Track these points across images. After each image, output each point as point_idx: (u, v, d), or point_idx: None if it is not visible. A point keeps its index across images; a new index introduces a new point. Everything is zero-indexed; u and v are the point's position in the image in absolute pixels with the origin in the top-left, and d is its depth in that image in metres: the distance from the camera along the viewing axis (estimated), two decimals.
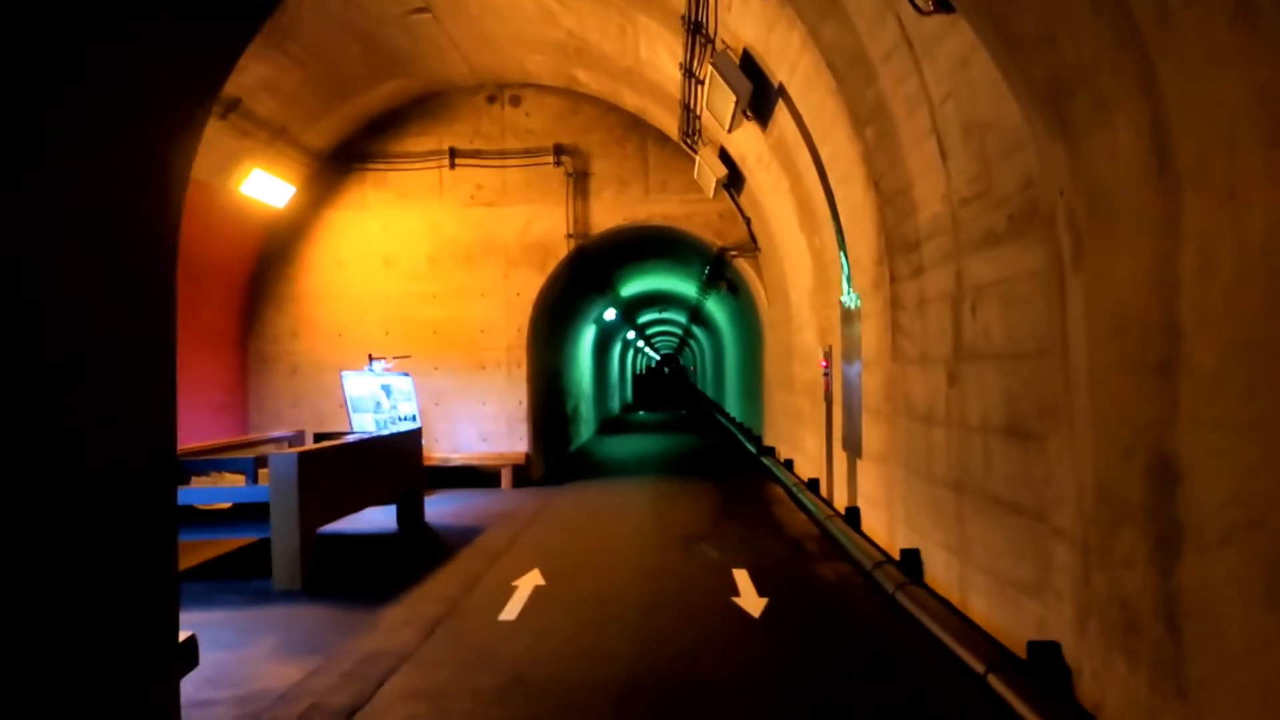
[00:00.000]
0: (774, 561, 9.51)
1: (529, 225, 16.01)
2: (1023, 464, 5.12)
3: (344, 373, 13.85)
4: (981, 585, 5.79)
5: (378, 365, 14.42)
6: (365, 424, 13.83)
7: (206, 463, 9.35)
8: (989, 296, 5.61)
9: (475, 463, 15.72)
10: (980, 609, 5.83)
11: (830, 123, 8.45)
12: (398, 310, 16.03)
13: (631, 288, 24.86)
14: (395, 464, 11.71)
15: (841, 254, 9.59)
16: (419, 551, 10.53)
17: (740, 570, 9.09)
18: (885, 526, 8.29)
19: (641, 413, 41.38)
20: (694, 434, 27.26)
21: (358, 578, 9.25)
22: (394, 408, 14.45)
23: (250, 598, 8.56)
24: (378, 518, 12.55)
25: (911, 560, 7.02)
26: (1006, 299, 5.33)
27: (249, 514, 9.25)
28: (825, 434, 10.93)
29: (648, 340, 52.15)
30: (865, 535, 8.82)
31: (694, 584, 8.67)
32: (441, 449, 15.93)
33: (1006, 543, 5.37)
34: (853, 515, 9.24)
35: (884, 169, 7.49)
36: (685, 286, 24.66)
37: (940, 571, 6.64)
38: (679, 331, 45.84)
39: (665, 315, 37.43)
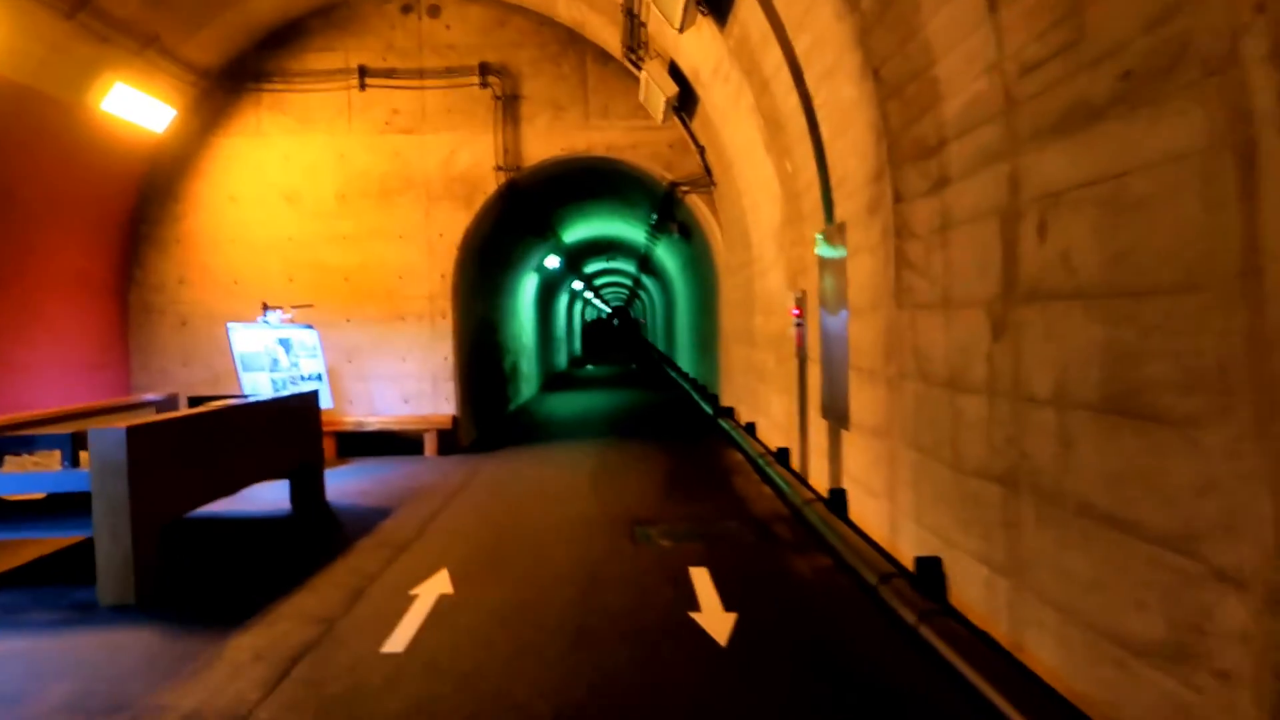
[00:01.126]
0: (739, 554, 7.68)
1: (452, 156, 13.88)
2: (1144, 460, 3.27)
3: (231, 325, 11.71)
4: (1052, 626, 3.97)
5: (273, 316, 12.29)
6: (259, 385, 11.74)
7: (16, 440, 7.23)
8: (1073, 206, 3.72)
9: (395, 428, 13.70)
10: (1050, 660, 4.02)
11: (810, 1, 6.48)
12: (303, 254, 13.86)
13: (575, 232, 22.77)
14: (286, 432, 9.68)
15: (820, 175, 7.66)
16: (307, 542, 8.54)
17: (699, 569, 7.23)
18: (883, 519, 6.47)
19: (590, 367, 39.43)
20: (644, 390, 25.38)
21: (216, 584, 7.24)
22: (295, 365, 12.36)
23: (65, 616, 6.53)
24: (271, 496, 10.53)
25: (930, 573, 5.19)
26: (1113, 206, 3.44)
27: (70, 505, 7.20)
28: (798, 397, 9.09)
29: (596, 291, 50.04)
30: (854, 525, 7.00)
31: (641, 590, 6.80)
32: (356, 412, 13.89)
33: (1106, 573, 3.54)
34: (837, 499, 7.41)
35: (889, 48, 5.54)
36: (633, 231, 22.63)
37: (975, 593, 4.83)
38: (628, 282, 43.79)
39: (613, 265, 35.34)
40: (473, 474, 12.02)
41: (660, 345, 38.58)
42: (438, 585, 6.99)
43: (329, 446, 13.54)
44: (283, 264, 13.86)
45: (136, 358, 13.87)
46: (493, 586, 6.96)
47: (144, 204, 13.72)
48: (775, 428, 10.44)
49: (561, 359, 36.04)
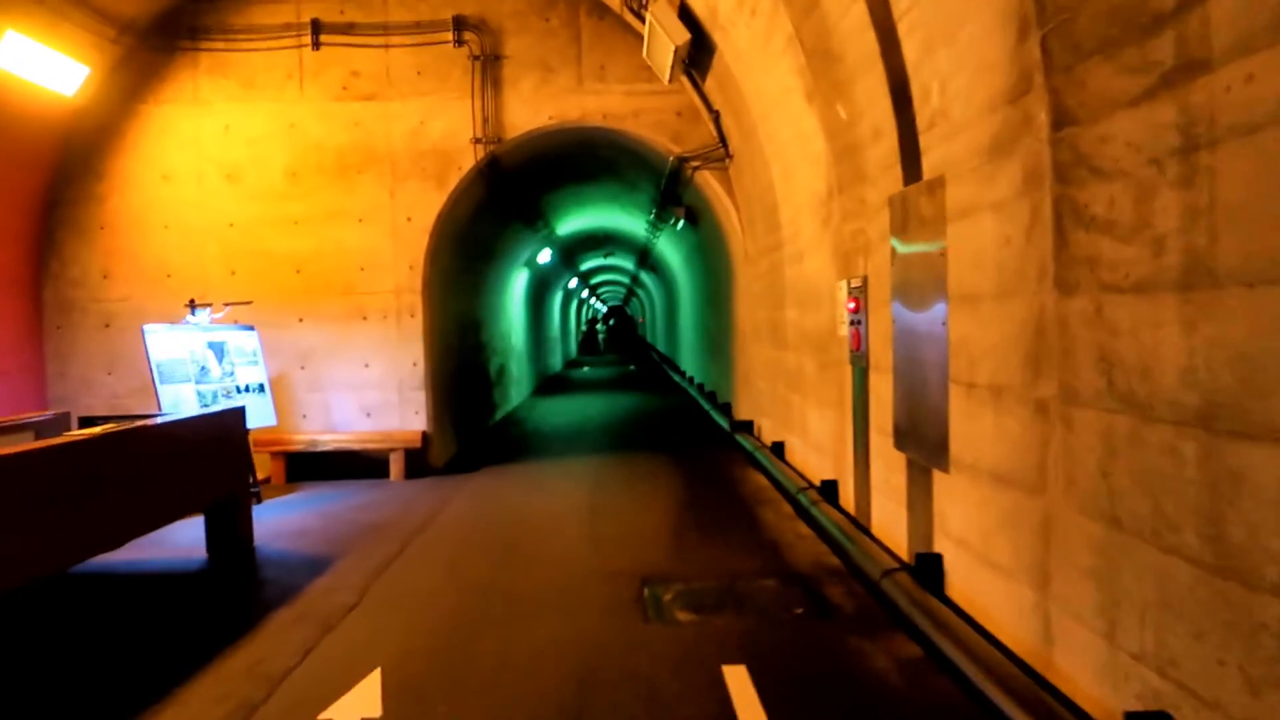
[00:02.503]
0: (787, 637, 5.46)
1: (422, 126, 11.65)
2: None
3: (148, 328, 9.47)
4: None
5: (201, 315, 10.06)
6: (183, 399, 9.51)
7: None
8: None
9: (354, 446, 11.46)
10: None
11: None
12: (247, 241, 11.63)
13: (570, 223, 20.54)
14: (200, 461, 7.46)
15: (899, 115, 5.45)
16: (206, 613, 6.30)
17: (735, 669, 5.01)
18: (1018, 610, 4.25)
19: (586, 369, 37.16)
20: (645, 394, 23.13)
21: (39, 693, 5.02)
22: (229, 375, 10.12)
23: None
24: (190, 537, 8.32)
25: None
26: None
27: None
28: (854, 415, 6.87)
29: (593, 290, 47.82)
30: (956, 607, 4.82)
31: (657, 707, 4.60)
32: (310, 427, 11.66)
33: None
34: (928, 567, 5.20)
35: None
36: (633, 222, 20.40)
37: None
38: (626, 280, 41.54)
39: (611, 261, 33.07)
40: (443, 504, 9.80)
41: (660, 346, 36.35)
42: (362, 703, 4.77)
43: (276, 470, 11.33)
44: (224, 253, 11.62)
45: (53, 364, 11.63)
46: (442, 703, 4.74)
47: (61, 182, 11.48)
48: (815, 451, 8.23)
49: (556, 360, 33.81)
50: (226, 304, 10.62)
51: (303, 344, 11.65)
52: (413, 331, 11.70)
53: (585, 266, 32.95)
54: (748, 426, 11.64)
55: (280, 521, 9.20)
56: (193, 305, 10.08)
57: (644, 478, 10.95)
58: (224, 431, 7.95)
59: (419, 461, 11.59)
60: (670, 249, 20.86)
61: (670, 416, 17.55)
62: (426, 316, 11.81)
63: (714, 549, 7.59)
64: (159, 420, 7.33)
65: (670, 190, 13.84)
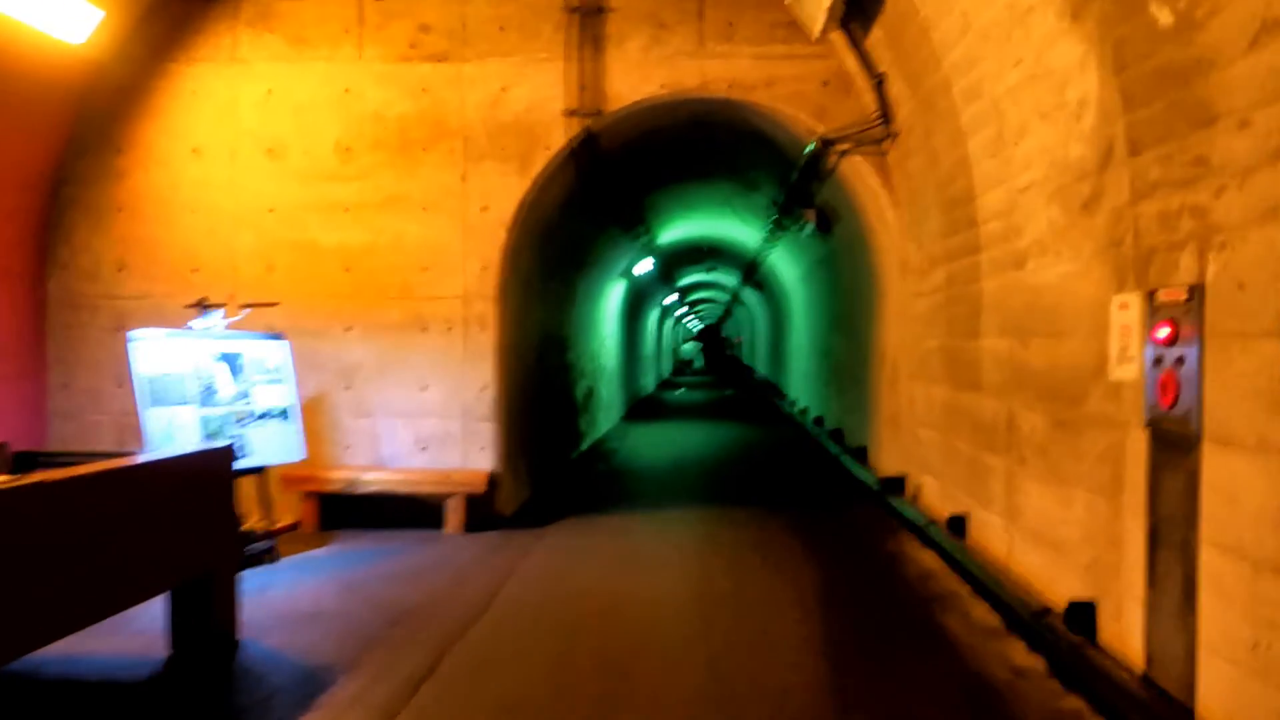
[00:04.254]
0: None
1: (504, 94, 9.32)
2: None
3: (135, 334, 7.27)
4: None
5: (213, 317, 7.84)
6: (179, 428, 7.29)
7: None
8: None
9: (402, 489, 9.10)
10: None
11: None
12: (288, 230, 9.44)
13: (673, 231, 18.09)
14: (161, 525, 5.16)
15: None
16: None
17: None
18: None
19: (681, 391, 34.64)
20: (749, 424, 20.45)
21: None
22: (245, 396, 7.88)
23: None
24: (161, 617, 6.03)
25: None
26: None
27: None
28: (1147, 509, 4.17)
29: (690, 307, 45.32)
30: None
31: None
32: (353, 461, 9.38)
33: None
34: None
35: None
36: (745, 230, 17.86)
37: None
38: (725, 297, 38.89)
39: (712, 276, 30.54)
40: (505, 577, 7.35)
41: (762, 369, 33.61)
42: None
43: (308, 513, 9.06)
44: (260, 244, 9.46)
45: (56, 372, 9.60)
46: None
47: (73, 156, 9.46)
48: (1040, 545, 5.51)
49: (649, 381, 31.41)
50: (245, 305, 8.39)
51: (348, 358, 9.40)
52: (483, 348, 9.34)
53: (684, 281, 30.50)
54: (898, 483, 8.93)
55: (291, 594, 6.87)
56: (203, 305, 7.87)
57: (764, 548, 8.34)
58: (201, 481, 5.63)
59: (482, 510, 9.19)
60: (786, 262, 18.22)
61: (783, 455, 14.87)
62: (500, 330, 9.45)
63: (886, 684, 4.98)
64: (112, 465, 5.03)
65: (801, 186, 11.25)
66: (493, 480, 9.24)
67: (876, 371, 10.71)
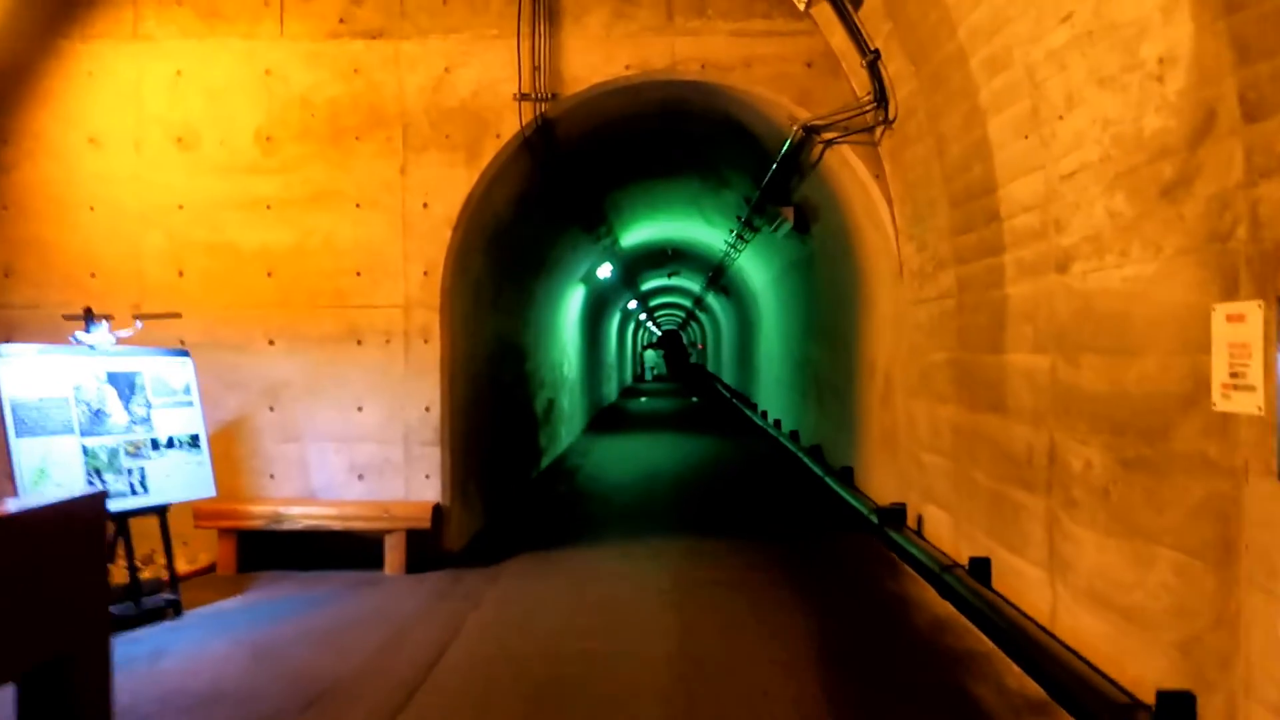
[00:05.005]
0: None
1: (448, 75, 8.19)
2: None
3: (2, 349, 6.06)
4: None
5: (96, 332, 6.62)
6: (57, 462, 6.07)
7: None
8: None
9: (336, 524, 7.91)
10: None
11: None
12: (202, 230, 8.22)
13: (636, 233, 17.00)
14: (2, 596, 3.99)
15: None
16: None
17: None
18: None
19: (644, 399, 33.57)
20: (719, 437, 19.37)
21: None
22: (143, 423, 6.67)
23: None
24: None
25: None
26: None
27: None
28: None
29: (650, 313, 44.28)
30: None
31: None
32: (278, 492, 8.17)
33: None
34: None
35: None
36: (711, 235, 16.82)
37: None
38: (688, 303, 37.85)
39: (675, 282, 29.53)
40: (451, 635, 6.20)
41: (728, 377, 32.60)
42: None
43: (225, 554, 7.85)
44: (169, 246, 8.23)
45: None
46: None
47: None
48: (1104, 609, 4.46)
49: (612, 390, 30.31)
50: (138, 316, 7.17)
51: (273, 376, 8.20)
52: (426, 361, 8.19)
53: (646, 287, 29.44)
54: (897, 513, 7.89)
55: (189, 664, 5.67)
56: (88, 316, 6.63)
57: (750, 591, 7.27)
58: (59, 539, 4.45)
59: (427, 547, 8.03)
60: (756, 265, 17.20)
61: (759, 474, 13.83)
62: (447, 341, 8.31)
63: None
64: None
65: (779, 181, 10.22)
66: (439, 513, 8.09)
67: (864, 385, 9.70)
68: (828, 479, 10.31)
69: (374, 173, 8.18)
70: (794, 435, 14.52)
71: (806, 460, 11.90)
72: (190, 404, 7.04)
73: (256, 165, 8.19)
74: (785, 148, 8.83)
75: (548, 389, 14.82)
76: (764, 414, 19.49)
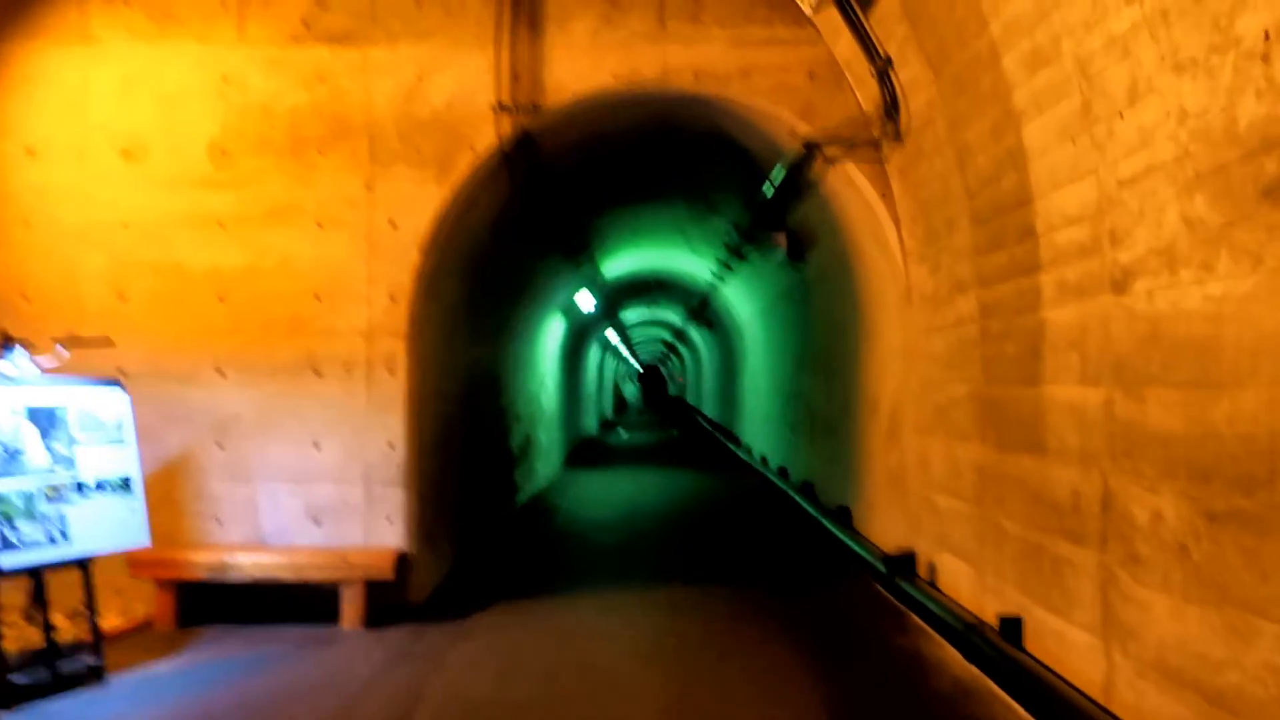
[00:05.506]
0: None
1: (420, 84, 7.50)
2: None
3: None
4: None
5: (16, 359, 5.84)
6: None
7: None
8: None
9: (287, 574, 7.07)
10: None
11: None
12: (148, 250, 7.46)
13: (619, 262, 16.34)
14: None
15: None
16: None
17: None
18: None
19: (623, 432, 32.81)
20: (703, 472, 18.63)
21: None
22: (66, 463, 5.87)
23: None
24: None
25: None
26: None
27: None
28: None
29: (629, 345, 43.56)
30: None
31: None
32: (226, 538, 7.36)
33: None
34: None
35: None
36: (696, 264, 16.20)
37: None
38: (669, 335, 37.22)
39: (655, 314, 28.91)
40: (410, 706, 5.41)
41: (710, 411, 31.88)
42: None
43: (163, 607, 7.02)
44: (111, 266, 7.46)
45: None
46: None
47: None
48: (1183, 689, 3.70)
49: (591, 422, 29.52)
50: (61, 341, 6.39)
51: (222, 409, 7.41)
52: (390, 395, 7.43)
53: (626, 317, 28.76)
54: (907, 562, 7.17)
55: None
56: (6, 341, 5.84)
57: (749, 652, 6.51)
58: None
59: (388, 600, 7.22)
60: (742, 296, 16.56)
61: (749, 514, 13.08)
62: (414, 372, 7.56)
63: None
64: None
65: (774, 204, 9.57)
66: (402, 561, 7.29)
67: (865, 420, 9.01)
68: (825, 521, 9.59)
69: (337, 188, 7.46)
70: (782, 471, 13.80)
71: (799, 499, 11.17)
72: (122, 441, 6.24)
73: (209, 179, 7.46)
74: (787, 163, 8.18)
75: (525, 423, 14.05)
76: (748, 449, 18.76)
